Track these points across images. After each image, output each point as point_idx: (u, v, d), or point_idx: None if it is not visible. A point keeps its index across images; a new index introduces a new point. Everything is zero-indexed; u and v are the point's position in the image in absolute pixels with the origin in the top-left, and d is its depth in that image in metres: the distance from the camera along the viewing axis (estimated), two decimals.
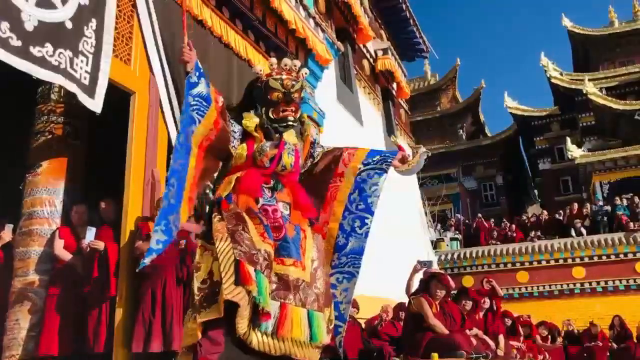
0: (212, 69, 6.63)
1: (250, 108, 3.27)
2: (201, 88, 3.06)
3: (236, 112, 3.32)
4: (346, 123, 11.24)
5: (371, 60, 14.24)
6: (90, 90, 4.83)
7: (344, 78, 11.90)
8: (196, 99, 3.03)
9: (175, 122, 5.93)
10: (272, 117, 3.21)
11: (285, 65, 3.27)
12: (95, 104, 4.87)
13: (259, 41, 7.76)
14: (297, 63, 3.34)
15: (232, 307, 2.71)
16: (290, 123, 3.23)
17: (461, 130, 30.26)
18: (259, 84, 3.27)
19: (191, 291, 2.89)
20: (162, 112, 5.83)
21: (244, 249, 2.79)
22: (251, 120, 3.20)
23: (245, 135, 3.21)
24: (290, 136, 3.26)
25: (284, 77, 3.23)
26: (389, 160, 3.36)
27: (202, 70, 3.12)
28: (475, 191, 28.59)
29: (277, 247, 2.98)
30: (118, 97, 5.39)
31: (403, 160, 3.38)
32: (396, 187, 13.80)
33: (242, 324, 2.71)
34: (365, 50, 13.85)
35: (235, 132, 3.20)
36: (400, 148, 3.40)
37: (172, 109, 5.91)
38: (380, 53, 14.44)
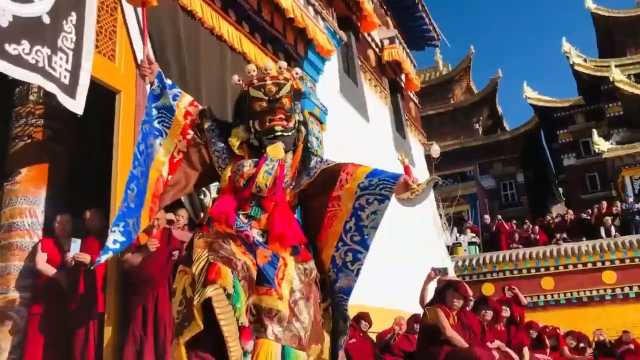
0: (204, 63, 6.65)
1: (241, 123, 3.20)
2: (164, 100, 3.17)
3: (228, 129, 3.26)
4: (351, 119, 11.25)
5: (377, 50, 14.24)
6: (70, 90, 4.84)
7: (348, 70, 11.91)
8: (160, 111, 3.15)
9: None
10: (258, 129, 3.11)
11: (267, 70, 3.12)
12: (77, 105, 4.87)
13: (254, 32, 7.77)
14: (283, 64, 3.20)
15: (215, 324, 2.63)
16: (279, 134, 3.10)
17: (477, 125, 30.23)
18: (243, 95, 3.20)
19: (172, 319, 2.88)
20: None
21: (221, 254, 2.74)
22: (237, 135, 3.15)
23: (234, 155, 3.15)
24: (276, 150, 3.10)
25: (267, 82, 3.10)
26: (390, 185, 3.02)
27: (166, 82, 3.22)
28: (494, 190, 28.55)
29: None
30: (102, 96, 5.41)
31: (406, 186, 2.95)
32: None
33: (234, 349, 2.62)
34: (370, 40, 13.85)
35: (218, 152, 3.17)
36: (406, 169, 3.02)
37: None
38: (386, 42, 14.44)
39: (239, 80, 3.19)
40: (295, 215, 3.20)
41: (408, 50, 15.53)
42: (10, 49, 4.31)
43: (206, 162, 3.20)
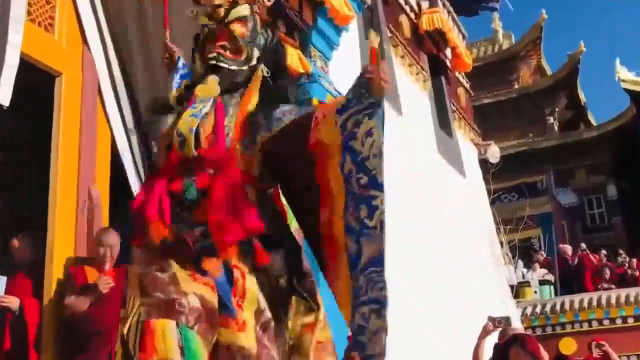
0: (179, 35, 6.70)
1: None
2: None
3: None
4: None
5: (412, 15, 14.27)
6: None
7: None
8: None
9: (121, 115, 5.98)
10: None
11: None
12: (2, 93, 4.93)
13: None
14: None
15: None
16: (214, 63, 3.20)
17: (551, 118, 30.15)
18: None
19: None
20: (102, 101, 5.89)
21: (156, 299, 2.70)
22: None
23: None
24: (207, 87, 3.17)
25: (217, 3, 3.25)
26: (365, 86, 2.91)
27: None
28: (576, 209, 28.43)
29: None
30: (37, 81, 5.45)
31: (379, 78, 2.85)
32: (456, 206, 13.80)
33: None
34: (403, 2, 13.90)
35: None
36: (372, 53, 2.90)
37: (116, 96, 5.97)
38: (425, 5, 14.49)
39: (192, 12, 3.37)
40: (281, 200, 3.02)
41: (455, 16, 15.56)
42: None
43: None
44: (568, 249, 20.08)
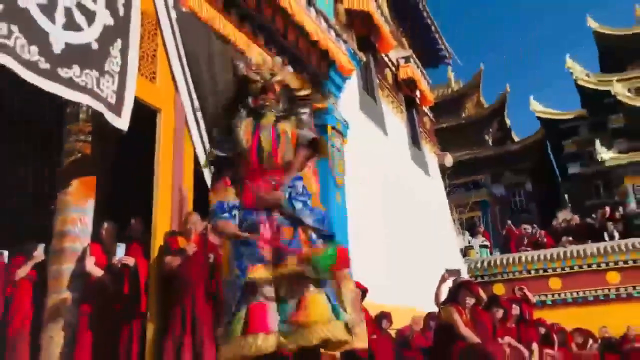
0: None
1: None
2: None
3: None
4: (370, 132, 11.25)
5: (393, 69, 14.24)
6: (116, 109, 4.93)
7: (367, 88, 11.92)
8: None
9: (201, 138, 6.01)
10: (251, 106, 3.35)
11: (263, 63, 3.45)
12: (122, 123, 4.96)
13: (281, 54, 7.80)
14: (278, 60, 3.53)
15: None
16: (267, 107, 3.33)
17: (487, 136, 30.00)
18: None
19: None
20: (188, 128, 5.91)
21: None
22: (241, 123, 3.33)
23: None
24: (267, 121, 3.31)
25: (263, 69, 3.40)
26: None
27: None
28: (504, 198, 28.27)
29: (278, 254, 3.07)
30: (144, 115, 5.49)
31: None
32: (424, 196, 13.76)
33: None
34: (387, 59, 13.85)
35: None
36: None
37: (197, 125, 5.99)
38: (402, 61, 14.43)
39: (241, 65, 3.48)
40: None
41: (422, 69, 15.50)
42: (63, 72, 4.41)
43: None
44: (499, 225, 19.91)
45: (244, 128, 3.28)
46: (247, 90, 3.39)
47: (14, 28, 4.06)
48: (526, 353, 7.21)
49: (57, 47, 4.39)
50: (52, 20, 4.42)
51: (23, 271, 5.72)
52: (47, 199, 6.17)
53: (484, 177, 28.23)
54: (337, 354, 6.24)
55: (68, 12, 4.59)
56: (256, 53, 3.61)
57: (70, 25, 4.57)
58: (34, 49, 4.17)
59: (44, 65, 4.24)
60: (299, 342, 2.87)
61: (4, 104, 6.98)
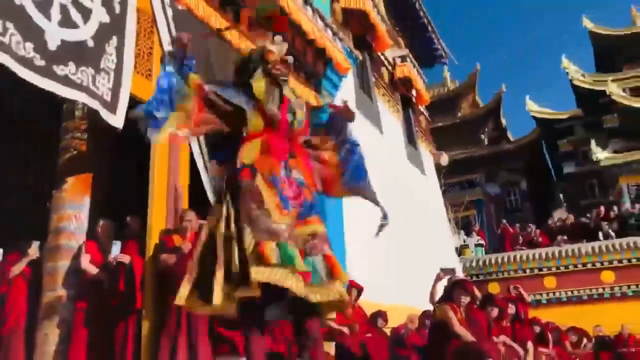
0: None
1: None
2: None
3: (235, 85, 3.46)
4: (366, 131, 11.25)
5: (390, 67, 14.25)
6: (112, 107, 4.92)
7: (363, 86, 11.93)
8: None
9: (197, 137, 6.00)
10: (270, 70, 3.39)
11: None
12: (117, 120, 4.96)
13: None
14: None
15: None
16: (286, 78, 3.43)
17: (483, 136, 30.01)
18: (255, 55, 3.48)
19: None
20: None
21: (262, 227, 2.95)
22: (260, 82, 3.36)
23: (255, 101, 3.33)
24: (287, 90, 3.44)
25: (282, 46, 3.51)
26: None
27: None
28: (499, 197, 28.31)
29: (300, 212, 3.14)
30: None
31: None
32: (420, 194, 13.77)
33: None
34: (383, 58, 13.87)
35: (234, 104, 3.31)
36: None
37: None
38: (398, 60, 14.44)
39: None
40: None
41: (418, 68, 15.52)
42: (59, 70, 4.40)
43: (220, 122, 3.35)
44: (494, 224, 19.95)
45: (265, 87, 3.33)
46: (264, 58, 3.42)
47: (9, 25, 4.05)
48: (521, 352, 7.23)
49: (53, 44, 4.39)
50: (48, 17, 4.41)
51: (17, 268, 5.70)
52: (47, 198, 6.15)
53: (479, 176, 28.25)
54: (332, 351, 6.27)
55: (64, 9, 4.59)
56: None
57: (66, 22, 4.57)
58: (29, 45, 4.17)
59: (40, 62, 4.24)
60: (322, 295, 2.97)
61: (4, 104, 6.98)
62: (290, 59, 3.49)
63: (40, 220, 5.52)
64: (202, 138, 6.02)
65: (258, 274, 2.83)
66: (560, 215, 21.35)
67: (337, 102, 9.26)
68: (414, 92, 15.36)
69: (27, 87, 4.19)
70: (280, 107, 3.33)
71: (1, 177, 7.05)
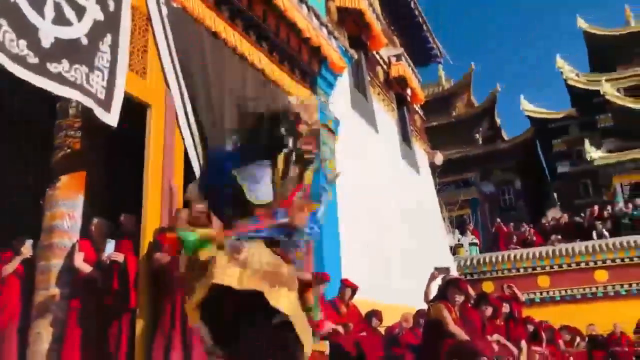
0: (227, 78, 6.70)
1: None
2: None
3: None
4: (361, 130, 11.25)
5: (385, 66, 14.24)
6: (106, 105, 4.90)
7: (358, 85, 11.92)
8: None
9: (191, 134, 5.98)
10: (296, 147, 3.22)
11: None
12: (111, 118, 4.93)
13: (272, 51, 7.82)
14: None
15: None
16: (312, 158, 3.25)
17: (477, 135, 30.05)
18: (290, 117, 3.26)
19: None
20: (178, 124, 5.89)
21: None
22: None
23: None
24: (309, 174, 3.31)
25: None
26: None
27: None
28: (494, 196, 28.35)
29: None
30: (134, 110, 5.46)
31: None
32: (415, 193, 13.78)
33: None
34: (378, 57, 13.86)
35: None
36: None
37: (187, 121, 5.96)
38: (393, 59, 14.44)
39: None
40: None
41: (413, 67, 15.51)
42: (52, 67, 4.38)
43: None
44: (488, 222, 19.99)
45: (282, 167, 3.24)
46: (293, 128, 3.22)
47: (3, 22, 4.02)
48: (515, 350, 7.24)
49: (47, 42, 4.36)
50: (42, 14, 4.38)
51: (11, 267, 5.67)
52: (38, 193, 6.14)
53: (474, 176, 28.28)
54: (326, 350, 6.26)
55: (58, 6, 4.56)
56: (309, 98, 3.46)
57: (60, 20, 4.54)
58: (23, 43, 4.14)
59: (33, 59, 4.21)
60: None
61: (4, 104, 6.96)
62: (318, 123, 3.27)
63: (39, 221, 5.50)
64: (196, 137, 6.01)
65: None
66: (554, 214, 21.40)
67: (333, 100, 9.30)
68: (408, 91, 15.36)
69: (27, 87, 4.17)
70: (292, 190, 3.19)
71: (1, 177, 7.03)
